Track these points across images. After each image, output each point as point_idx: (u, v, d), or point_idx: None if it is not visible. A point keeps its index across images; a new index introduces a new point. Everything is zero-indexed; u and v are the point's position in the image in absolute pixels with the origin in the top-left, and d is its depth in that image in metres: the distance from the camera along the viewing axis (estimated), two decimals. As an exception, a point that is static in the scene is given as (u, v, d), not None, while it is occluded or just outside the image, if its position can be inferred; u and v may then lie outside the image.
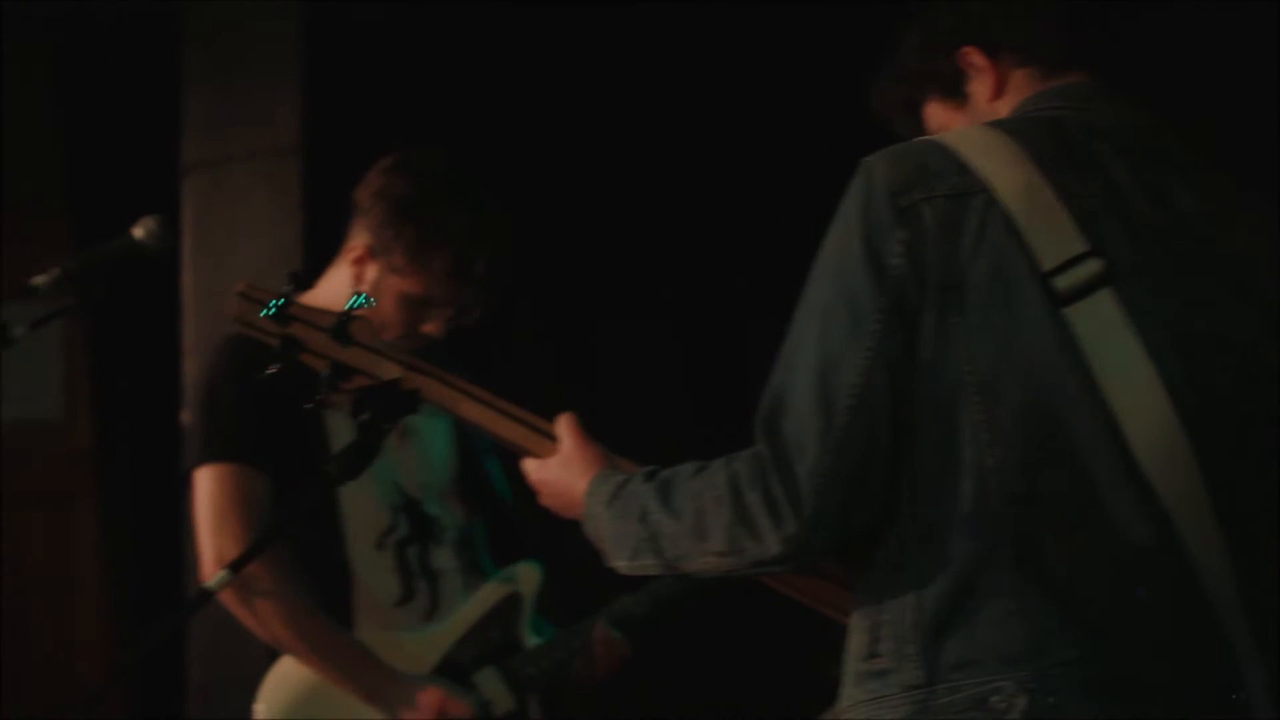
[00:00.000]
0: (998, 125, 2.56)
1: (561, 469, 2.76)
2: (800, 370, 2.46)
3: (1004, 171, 2.47)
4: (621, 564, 2.63)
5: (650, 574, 2.61)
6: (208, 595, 2.23)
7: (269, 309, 2.80)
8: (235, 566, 2.23)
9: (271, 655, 3.90)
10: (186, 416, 5.40)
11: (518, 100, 5.43)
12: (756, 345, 5.49)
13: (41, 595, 6.92)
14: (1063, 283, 2.42)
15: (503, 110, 5.41)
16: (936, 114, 2.73)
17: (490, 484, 4.11)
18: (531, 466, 2.80)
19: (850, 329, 2.44)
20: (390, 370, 2.79)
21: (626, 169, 5.47)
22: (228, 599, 3.75)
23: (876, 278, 2.44)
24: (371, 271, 3.87)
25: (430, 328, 3.86)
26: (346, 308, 2.82)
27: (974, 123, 2.64)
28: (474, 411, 2.79)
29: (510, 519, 4.12)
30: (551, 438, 2.78)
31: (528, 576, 3.99)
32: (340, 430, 3.84)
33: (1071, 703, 2.38)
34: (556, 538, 4.27)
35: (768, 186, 5.37)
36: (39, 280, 3.38)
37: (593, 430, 2.83)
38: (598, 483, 2.69)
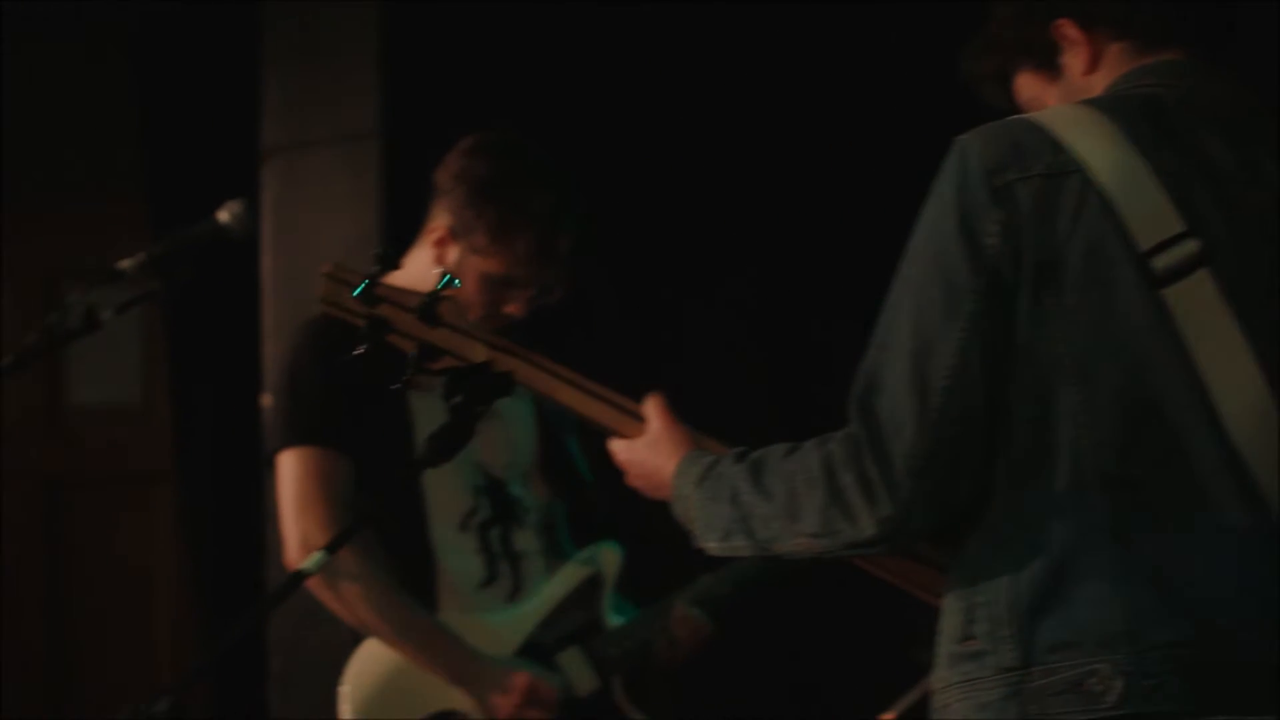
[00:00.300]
0: (1092, 103, 2.54)
1: (650, 449, 2.75)
2: (895, 350, 2.45)
3: (1099, 150, 2.44)
4: (712, 545, 2.62)
5: (741, 555, 2.61)
6: (303, 577, 2.23)
7: (357, 289, 2.80)
8: (331, 548, 2.23)
9: (354, 641, 3.91)
10: (266, 400, 5.42)
11: (597, 80, 5.43)
12: (839, 327, 5.50)
13: (120, 578, 6.97)
14: (1160, 263, 2.40)
15: (582, 90, 5.40)
16: (1028, 85, 2.69)
17: (572, 465, 4.11)
18: (619, 447, 2.79)
19: (946, 309, 2.42)
20: (478, 351, 2.78)
21: (708, 148, 5.46)
22: (312, 583, 3.74)
23: (972, 258, 2.42)
24: (453, 253, 3.87)
25: (512, 308, 3.86)
26: (434, 288, 2.81)
27: (1067, 96, 2.62)
28: (563, 392, 2.78)
29: (591, 500, 4.12)
30: (639, 418, 2.77)
31: (609, 557, 3.99)
32: (423, 412, 3.85)
33: (1168, 686, 2.37)
34: (637, 518, 4.28)
35: (849, 163, 5.35)
36: (125, 264, 3.39)
37: (678, 411, 2.82)
38: (687, 463, 2.67)
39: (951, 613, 2.49)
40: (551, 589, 3.94)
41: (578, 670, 3.88)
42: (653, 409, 2.77)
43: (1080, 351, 2.40)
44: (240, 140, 5.62)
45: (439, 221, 3.90)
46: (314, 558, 2.25)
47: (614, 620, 3.95)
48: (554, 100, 5.33)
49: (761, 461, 2.56)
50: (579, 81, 5.42)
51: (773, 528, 2.53)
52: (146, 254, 3.41)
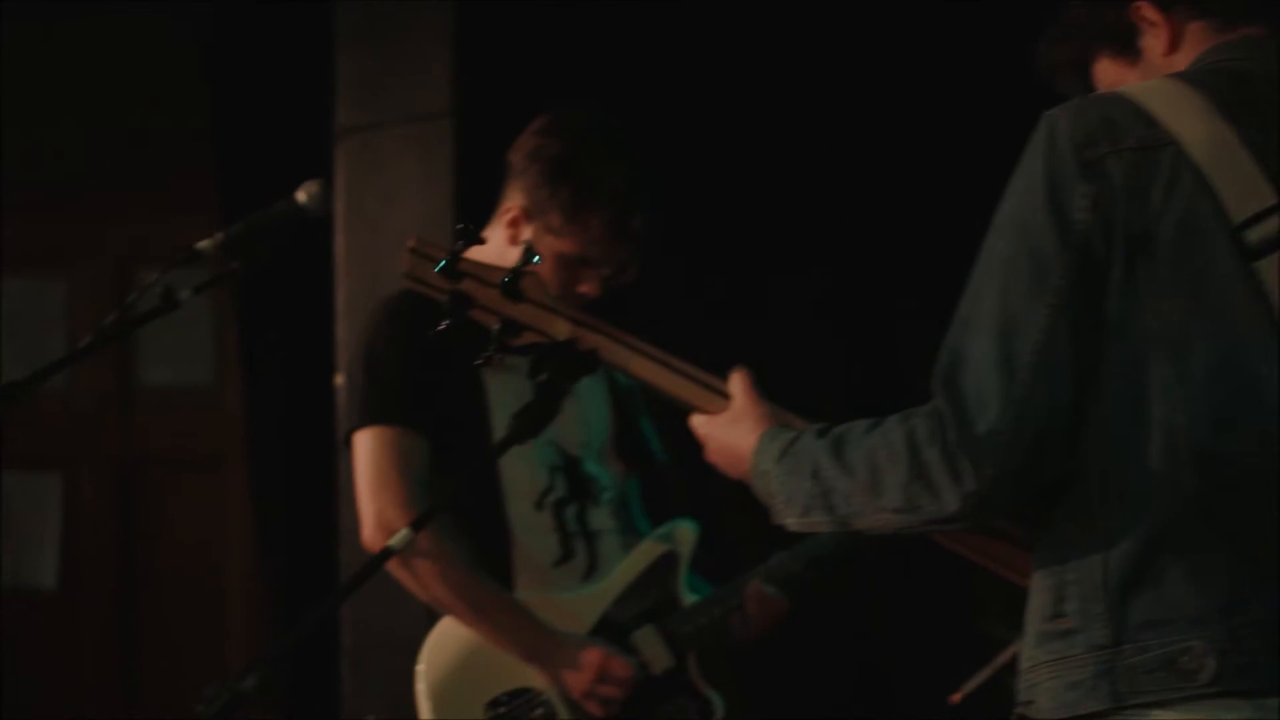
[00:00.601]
0: (1181, 76, 2.53)
1: (730, 425, 2.74)
2: (981, 325, 2.44)
3: (1191, 123, 2.43)
4: (791, 520, 2.61)
5: (820, 531, 2.60)
6: (390, 554, 2.25)
7: (441, 264, 2.80)
8: (417, 525, 2.23)
9: (429, 618, 3.92)
10: (340, 380, 5.44)
11: (670, 58, 5.42)
12: (910, 309, 5.50)
13: (192, 560, 7.00)
14: (1253, 235, 2.39)
15: (655, 68, 5.40)
16: (1107, 71, 2.67)
17: (646, 443, 4.12)
18: (699, 422, 2.78)
19: (1033, 284, 2.41)
20: (560, 327, 2.79)
21: (782, 127, 5.45)
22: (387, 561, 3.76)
23: (1061, 232, 2.41)
24: (527, 232, 3.87)
25: (586, 287, 3.86)
26: (518, 264, 2.82)
27: (1147, 79, 2.60)
28: (647, 369, 2.78)
29: (666, 478, 4.12)
30: (724, 395, 2.76)
31: (684, 535, 3.99)
32: (498, 391, 3.86)
33: (1261, 664, 2.35)
34: (712, 496, 4.28)
35: (921, 143, 5.34)
36: (203, 245, 3.40)
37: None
38: (767, 439, 2.67)
39: (1040, 591, 2.48)
40: (626, 567, 3.94)
41: (652, 648, 3.89)
42: (737, 385, 2.77)
43: (1173, 326, 2.39)
44: (312, 121, 5.64)
45: (513, 201, 3.91)
46: (400, 534, 2.26)
47: (689, 598, 3.95)
48: (626, 79, 5.33)
49: (843, 437, 2.55)
50: (652, 60, 5.42)
51: (854, 503, 2.52)
52: (225, 234, 3.41)
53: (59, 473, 7.07)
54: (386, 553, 2.31)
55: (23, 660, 6.68)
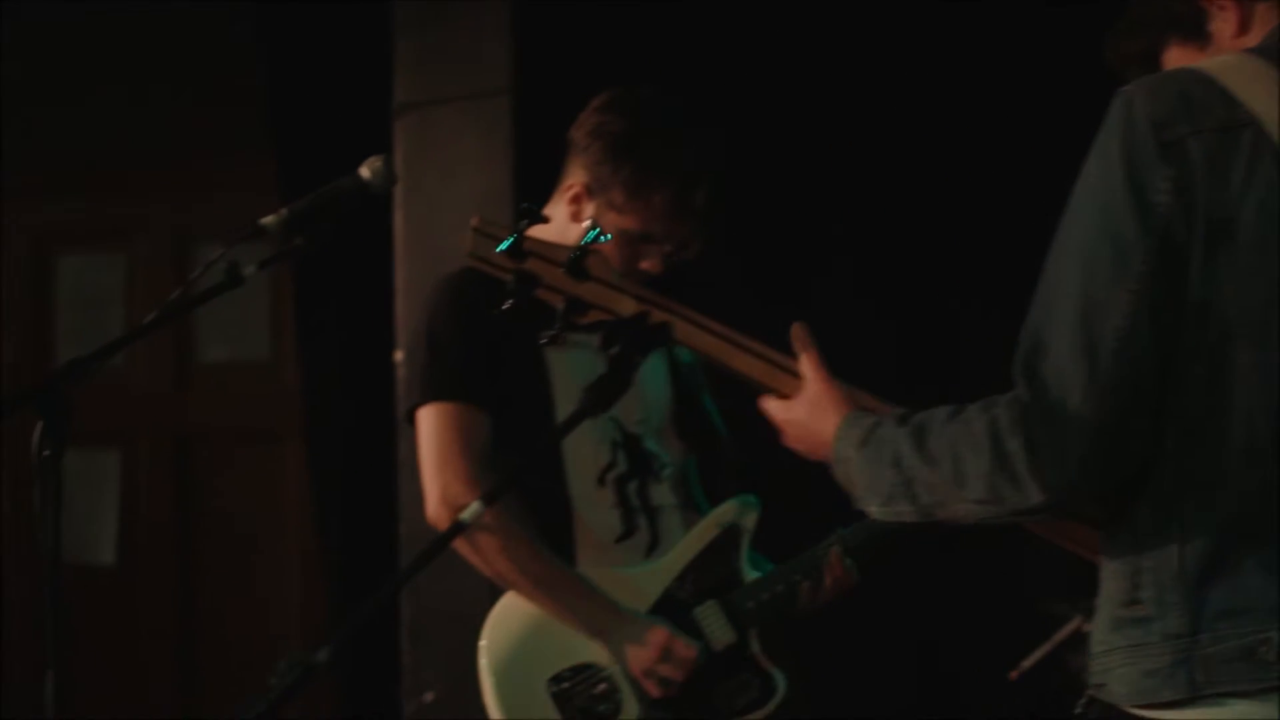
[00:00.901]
0: (1258, 52, 2.49)
1: (809, 409, 2.72)
2: (1061, 312, 2.41)
3: (1269, 102, 2.40)
4: (874, 509, 2.60)
5: (903, 519, 2.58)
6: (462, 527, 2.25)
7: (505, 243, 2.80)
8: (488, 500, 2.24)
9: (491, 593, 3.93)
10: (399, 356, 5.45)
11: (729, 35, 5.42)
12: (966, 296, 5.47)
13: (250, 535, 7.03)
14: None
15: (714, 46, 5.39)
16: (1178, 58, 2.66)
17: (706, 420, 4.11)
18: (776, 408, 2.77)
19: (1115, 269, 2.38)
20: (625, 305, 2.78)
21: (838, 104, 5.44)
22: (451, 535, 3.77)
23: (1142, 216, 2.38)
24: (589, 209, 3.88)
25: (648, 265, 3.86)
26: (583, 242, 2.82)
27: None
28: (713, 346, 2.77)
29: (727, 455, 4.12)
30: (790, 372, 2.76)
31: (746, 511, 3.99)
32: (560, 367, 3.87)
33: None
34: (773, 473, 4.26)
35: (976, 132, 5.33)
36: (267, 220, 3.40)
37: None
38: (848, 425, 2.65)
39: (1115, 576, 2.47)
40: (689, 543, 3.94)
41: (715, 624, 3.89)
42: (809, 367, 2.75)
43: (1255, 312, 2.37)
44: (370, 98, 5.65)
45: (574, 178, 3.91)
46: (471, 508, 2.26)
47: (751, 574, 3.94)
48: (685, 56, 5.33)
49: (925, 425, 2.53)
50: (710, 37, 5.41)
51: (937, 493, 2.50)
52: (289, 210, 3.41)
53: (117, 449, 7.11)
54: (458, 526, 2.31)
55: (81, 636, 6.72)
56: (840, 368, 2.84)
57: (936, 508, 2.52)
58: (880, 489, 2.57)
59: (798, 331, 2.77)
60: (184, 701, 7.04)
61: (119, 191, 7.07)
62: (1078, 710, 4.87)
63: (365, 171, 3.47)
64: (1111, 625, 2.47)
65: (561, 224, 3.86)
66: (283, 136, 6.18)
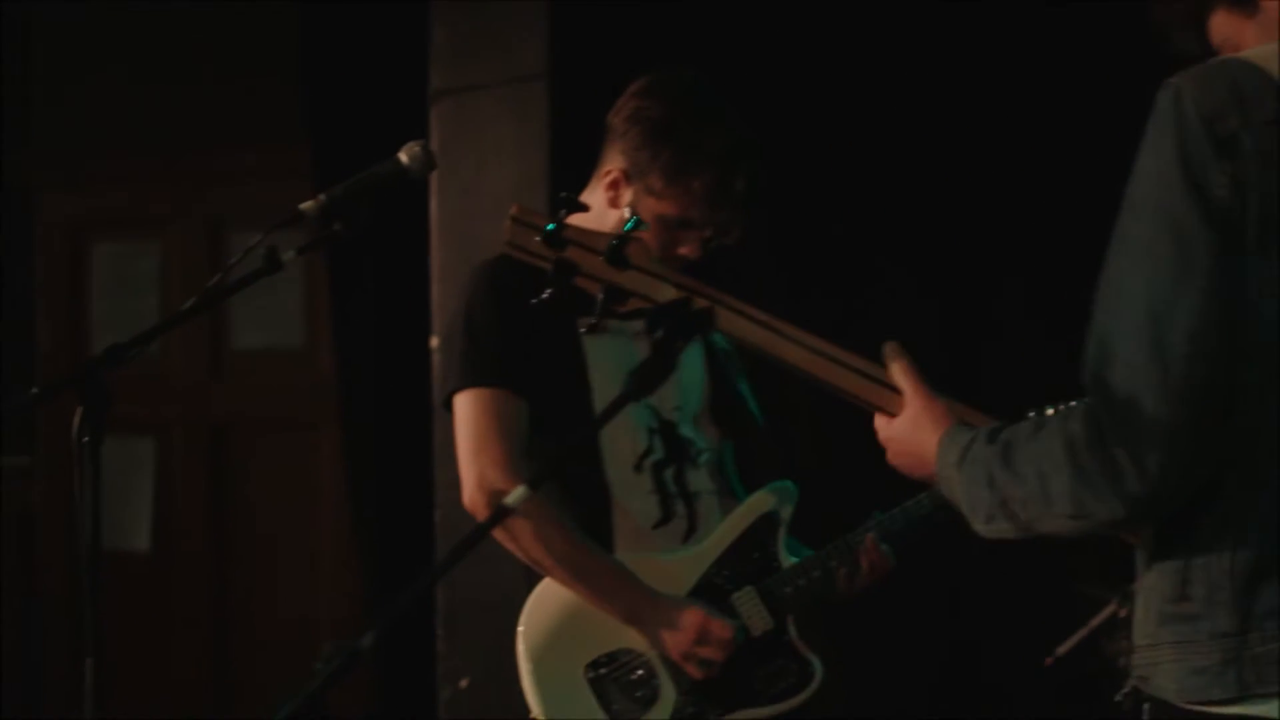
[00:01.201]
0: None
1: (910, 427, 2.69)
2: (1127, 315, 2.37)
3: None
4: (979, 527, 2.57)
5: (1007, 537, 2.53)
6: (507, 512, 2.24)
7: (544, 233, 2.80)
8: (533, 483, 2.23)
9: (528, 579, 3.92)
10: (435, 343, 5.46)
11: (763, 19, 5.41)
12: (1009, 289, 5.44)
13: (285, 522, 7.04)
14: None
15: (750, 30, 5.39)
16: (1224, 25, 2.60)
17: (742, 406, 4.11)
18: (880, 425, 2.73)
19: (1180, 268, 2.34)
20: (665, 293, 2.77)
21: (871, 87, 5.43)
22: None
23: (1203, 212, 2.33)
24: (627, 195, 3.87)
25: (686, 250, 3.86)
26: (623, 230, 2.81)
27: (1264, 31, 2.53)
28: (754, 333, 2.76)
29: (763, 441, 4.11)
30: (841, 362, 2.72)
31: (783, 497, 3.98)
32: (596, 353, 3.86)
33: None
34: (809, 458, 4.25)
35: (1019, 127, 5.32)
36: (306, 206, 3.40)
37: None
38: (946, 444, 2.62)
39: (1164, 571, 2.45)
40: (727, 528, 3.93)
41: (752, 610, 3.88)
42: (907, 384, 2.71)
43: None
44: (405, 84, 5.65)
45: (613, 164, 3.90)
46: (516, 492, 2.25)
47: (788, 560, 3.94)
48: (721, 41, 5.32)
49: (1011, 442, 2.50)
50: (746, 21, 5.40)
51: (1030, 510, 2.47)
52: (327, 196, 3.41)
53: (152, 437, 7.12)
54: (503, 511, 2.31)
55: (116, 622, 6.73)
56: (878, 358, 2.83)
57: (1034, 523, 2.48)
58: (980, 509, 2.54)
59: (891, 348, 2.74)
60: (217, 687, 7.06)
61: (154, 179, 7.08)
62: (1118, 698, 4.87)
63: (404, 157, 3.47)
64: (1158, 619, 2.45)
65: (599, 209, 3.86)
66: (317, 124, 6.19)
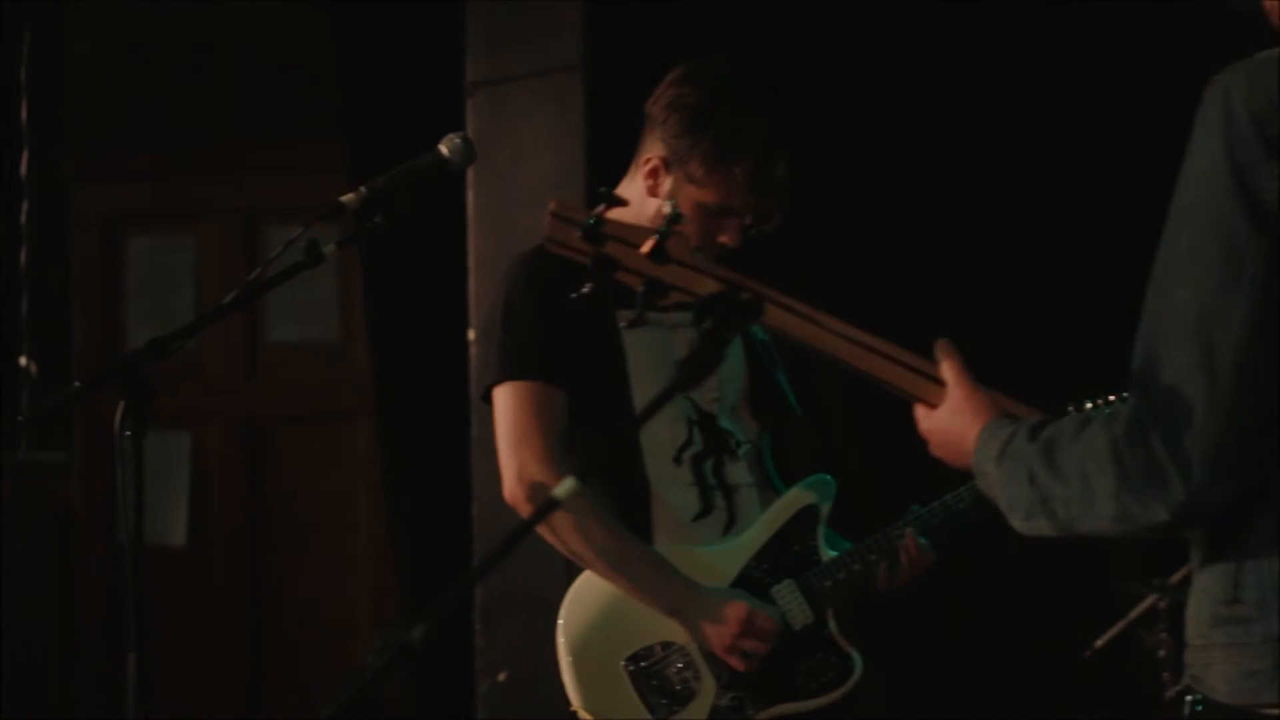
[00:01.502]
0: None
1: (950, 417, 2.67)
2: (1175, 320, 2.34)
3: None
4: (1018, 523, 2.55)
5: (1045, 534, 2.52)
6: (555, 504, 2.23)
7: (584, 228, 2.78)
8: (581, 476, 2.22)
9: (567, 573, 3.91)
10: (473, 336, 5.45)
11: (799, 8, 5.40)
12: (1038, 291, 5.43)
13: (321, 516, 7.05)
14: None
15: (786, 19, 5.38)
16: None
17: (781, 398, 4.09)
18: (921, 415, 2.72)
19: (1229, 273, 2.30)
20: (706, 286, 2.76)
21: (910, 83, 5.42)
22: (528, 514, 3.75)
23: (1252, 216, 2.30)
24: (667, 183, 3.86)
25: (726, 238, 3.85)
26: (663, 224, 2.79)
27: None
28: (799, 326, 2.75)
29: (802, 433, 4.10)
30: (880, 353, 2.71)
31: (823, 490, 3.97)
32: (634, 346, 3.85)
33: None
34: (848, 451, 4.24)
35: (1049, 127, 5.30)
36: (346, 199, 3.40)
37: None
38: (986, 437, 2.60)
39: (1217, 573, 2.43)
40: (767, 521, 3.92)
41: (792, 603, 3.87)
42: (951, 374, 2.70)
43: None
44: (440, 77, 5.65)
45: (652, 152, 3.89)
46: (565, 484, 2.25)
47: (828, 553, 3.92)
48: (756, 31, 5.31)
49: (1054, 439, 2.48)
50: (783, 10, 5.39)
51: (1072, 510, 2.45)
52: (368, 188, 3.41)
53: (188, 431, 7.13)
54: (551, 503, 2.30)
55: (152, 617, 6.73)
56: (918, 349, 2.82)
57: (1075, 523, 2.47)
58: (1020, 506, 2.52)
59: (943, 345, 2.73)
60: (253, 681, 7.07)
61: (189, 173, 7.09)
62: (1170, 694, 4.85)
63: (444, 149, 3.47)
64: (1211, 621, 2.44)
65: (638, 199, 3.85)
66: (352, 117, 6.19)
